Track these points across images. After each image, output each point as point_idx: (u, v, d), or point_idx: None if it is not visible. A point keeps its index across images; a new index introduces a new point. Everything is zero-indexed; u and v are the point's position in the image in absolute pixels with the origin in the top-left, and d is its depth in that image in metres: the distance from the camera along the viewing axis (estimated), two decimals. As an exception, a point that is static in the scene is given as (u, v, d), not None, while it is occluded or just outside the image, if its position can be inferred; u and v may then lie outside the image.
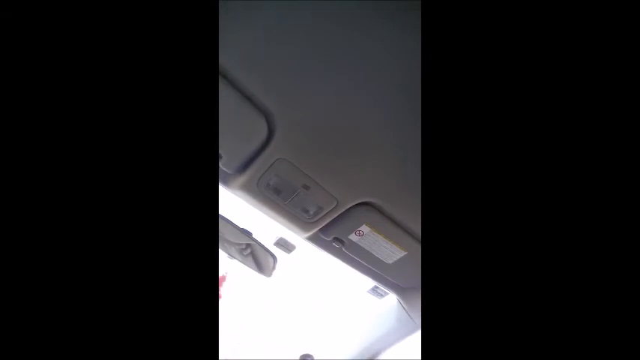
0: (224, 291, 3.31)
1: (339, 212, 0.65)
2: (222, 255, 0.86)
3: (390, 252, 0.72)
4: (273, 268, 0.85)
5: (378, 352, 1.00)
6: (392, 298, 0.95)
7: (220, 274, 3.29)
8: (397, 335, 0.97)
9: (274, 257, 0.83)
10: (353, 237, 0.69)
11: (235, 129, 0.53)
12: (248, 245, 0.83)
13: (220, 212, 0.72)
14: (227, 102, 0.49)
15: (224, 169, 0.60)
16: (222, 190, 0.64)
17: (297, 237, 0.73)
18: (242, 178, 0.60)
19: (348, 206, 0.64)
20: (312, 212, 0.64)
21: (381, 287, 0.89)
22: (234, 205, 0.69)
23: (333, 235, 0.70)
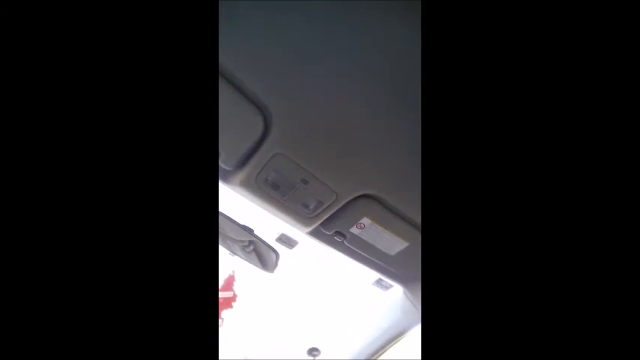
0: (237, 289, 3.31)
1: (339, 206, 0.64)
2: (226, 253, 0.87)
3: (392, 243, 0.72)
4: (276, 264, 0.85)
5: (385, 344, 1.00)
6: (397, 290, 0.95)
7: (228, 273, 3.28)
8: (403, 326, 0.97)
9: (276, 253, 0.83)
10: (354, 230, 0.69)
11: (232, 125, 0.53)
12: (250, 242, 0.83)
13: (221, 209, 0.72)
14: (222, 98, 0.49)
15: (223, 165, 0.60)
16: (223, 187, 0.64)
17: (299, 232, 0.73)
18: (241, 175, 0.60)
19: (348, 199, 0.63)
20: (312, 207, 0.64)
21: (386, 279, 0.89)
22: (236, 202, 0.69)
23: (334, 229, 0.70)
